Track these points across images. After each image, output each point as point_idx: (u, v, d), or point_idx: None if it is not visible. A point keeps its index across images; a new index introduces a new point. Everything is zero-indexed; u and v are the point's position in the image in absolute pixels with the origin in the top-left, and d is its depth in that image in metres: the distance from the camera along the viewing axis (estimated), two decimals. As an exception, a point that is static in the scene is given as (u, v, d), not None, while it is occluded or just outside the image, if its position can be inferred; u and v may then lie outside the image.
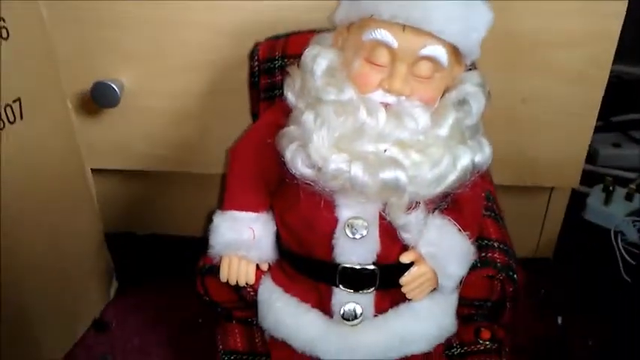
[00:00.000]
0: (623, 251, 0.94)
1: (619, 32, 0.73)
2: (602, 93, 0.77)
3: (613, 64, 0.76)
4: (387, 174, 0.54)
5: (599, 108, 0.79)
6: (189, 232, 0.93)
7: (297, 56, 0.68)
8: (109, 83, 0.78)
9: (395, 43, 0.55)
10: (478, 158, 0.58)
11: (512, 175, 0.83)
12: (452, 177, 0.57)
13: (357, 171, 0.54)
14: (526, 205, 0.90)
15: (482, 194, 0.65)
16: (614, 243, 0.96)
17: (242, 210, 0.63)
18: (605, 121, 1.17)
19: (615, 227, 0.98)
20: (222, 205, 0.64)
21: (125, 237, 0.98)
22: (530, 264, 0.92)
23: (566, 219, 0.95)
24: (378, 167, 0.54)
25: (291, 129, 0.58)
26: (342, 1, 0.60)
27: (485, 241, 0.64)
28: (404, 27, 0.55)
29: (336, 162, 0.55)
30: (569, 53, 0.75)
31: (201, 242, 0.66)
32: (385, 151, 0.55)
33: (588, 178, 1.03)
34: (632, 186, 1.03)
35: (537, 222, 0.93)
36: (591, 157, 1.13)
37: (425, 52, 0.55)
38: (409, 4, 0.54)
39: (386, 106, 0.56)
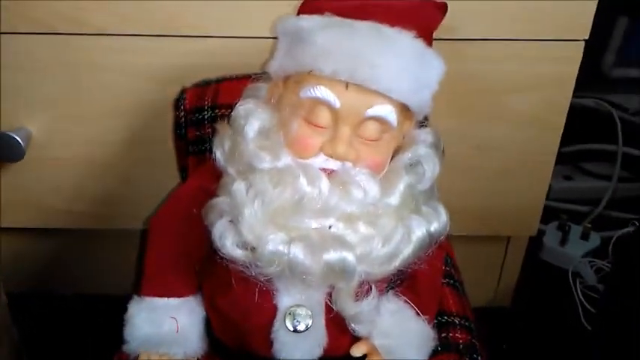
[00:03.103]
0: (581, 296, 0.90)
1: (575, 75, 0.69)
2: (559, 138, 0.73)
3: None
4: (332, 255, 0.46)
5: (556, 154, 0.74)
6: (113, 291, 0.83)
7: (229, 106, 0.61)
8: (11, 135, 0.68)
9: (337, 103, 0.47)
10: (434, 227, 0.51)
11: (467, 225, 0.77)
12: (406, 251, 0.49)
13: (298, 253, 0.46)
14: (483, 253, 0.85)
15: (441, 266, 0.58)
16: (573, 287, 0.92)
17: (162, 296, 0.54)
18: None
19: (573, 268, 0.95)
20: (139, 289, 0.55)
21: (40, 297, 0.87)
22: (488, 313, 0.87)
23: (524, 259, 0.90)
24: (321, 247, 0.46)
25: (220, 200, 0.49)
26: (277, 51, 0.52)
27: (446, 317, 0.57)
28: (347, 84, 0.47)
29: (274, 242, 0.46)
30: (524, 98, 0.70)
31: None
32: (330, 227, 0.48)
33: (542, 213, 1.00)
34: (588, 225, 0.99)
35: (495, 270, 0.88)
36: (544, 191, 1.09)
37: (371, 112, 0.48)
38: (353, 60, 0.46)
39: (329, 173, 0.49)
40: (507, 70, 0.68)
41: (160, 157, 0.72)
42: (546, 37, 0.66)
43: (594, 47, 0.69)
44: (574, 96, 0.73)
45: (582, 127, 1.18)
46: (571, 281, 0.93)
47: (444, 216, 0.53)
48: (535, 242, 0.97)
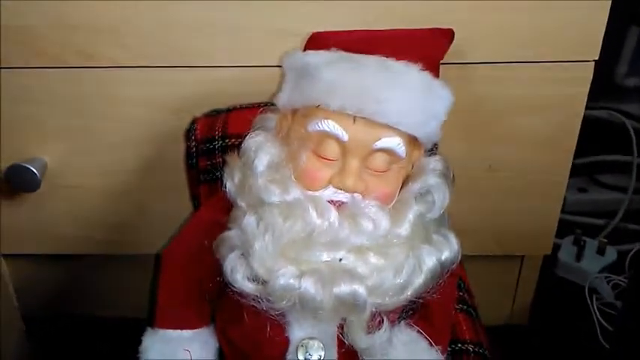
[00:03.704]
0: (598, 314, 0.89)
1: (586, 96, 0.68)
2: (570, 159, 0.72)
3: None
4: (343, 288, 0.46)
5: (569, 173, 0.73)
6: (127, 313, 0.83)
7: (239, 136, 0.61)
8: (27, 166, 0.69)
9: (345, 137, 0.48)
10: (445, 256, 0.51)
11: (480, 245, 0.77)
12: (418, 282, 0.49)
13: (309, 287, 0.46)
14: (497, 272, 0.84)
15: (454, 294, 0.58)
16: (590, 304, 0.90)
17: (175, 328, 0.54)
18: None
19: (589, 284, 0.93)
20: (152, 320, 0.55)
21: (55, 320, 0.88)
22: (505, 332, 0.86)
23: (539, 275, 0.89)
24: (332, 281, 0.47)
25: (231, 234, 0.50)
26: (285, 84, 0.53)
27: (459, 344, 0.57)
28: (355, 117, 0.48)
29: (285, 276, 0.47)
30: (534, 120, 0.69)
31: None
32: (340, 260, 0.48)
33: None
34: (604, 239, 0.98)
35: (510, 288, 0.87)
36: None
37: (379, 145, 0.48)
38: (360, 95, 0.47)
39: (338, 205, 0.49)
40: (517, 93, 0.67)
41: (172, 184, 0.72)
42: (556, 59, 0.66)
43: (606, 58, 0.68)
44: (586, 107, 0.73)
45: (596, 138, 1.17)
46: (587, 298, 0.91)
47: (455, 244, 0.53)
48: (550, 258, 0.96)
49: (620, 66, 1.12)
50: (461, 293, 0.62)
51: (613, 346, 0.84)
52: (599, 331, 0.87)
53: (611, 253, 0.97)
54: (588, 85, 0.67)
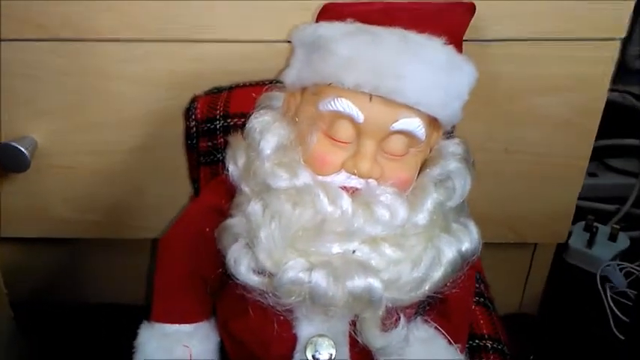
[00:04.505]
0: (611, 303, 0.86)
1: (610, 76, 0.64)
2: (592, 142, 0.69)
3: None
4: (357, 282, 0.43)
5: (589, 158, 0.70)
6: (121, 299, 0.81)
7: (242, 115, 0.58)
8: (15, 145, 0.65)
9: (360, 117, 0.44)
10: (466, 246, 0.48)
11: (493, 231, 0.73)
12: (437, 275, 0.46)
13: (320, 280, 0.43)
14: (508, 260, 0.81)
15: (473, 288, 0.55)
16: (602, 293, 0.88)
17: (173, 322, 0.51)
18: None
19: (601, 272, 0.90)
20: (150, 314, 0.52)
21: (46, 306, 0.84)
22: (514, 321, 0.83)
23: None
24: (345, 274, 0.43)
25: (235, 221, 0.46)
26: (294, 60, 0.48)
27: (477, 341, 0.54)
28: (371, 96, 0.44)
29: (294, 269, 0.43)
30: (555, 100, 0.65)
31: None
32: (354, 252, 0.44)
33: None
34: (616, 226, 0.95)
35: (520, 276, 0.85)
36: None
37: (398, 126, 0.44)
38: (377, 71, 0.43)
39: (352, 191, 0.45)
40: (537, 72, 0.63)
41: (170, 165, 0.69)
42: (579, 37, 0.62)
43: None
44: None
45: (606, 121, 1.14)
46: (599, 286, 0.89)
47: (475, 234, 0.49)
48: (561, 244, 0.93)
49: (631, 47, 1.08)
50: (477, 285, 0.58)
51: (627, 337, 0.82)
52: (612, 321, 0.84)
53: (624, 240, 0.95)
54: (613, 65, 0.63)
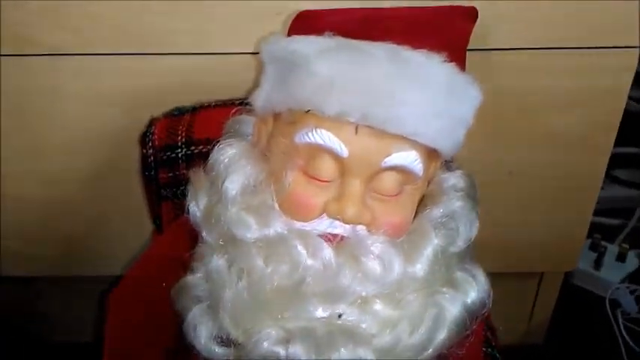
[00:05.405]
0: (623, 330, 0.79)
1: (628, 88, 0.57)
2: (607, 160, 0.62)
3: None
4: (344, 356, 0.35)
5: (602, 179, 0.63)
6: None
7: (207, 142, 0.50)
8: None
9: (345, 152, 0.36)
10: (472, 297, 0.40)
11: (496, 260, 0.66)
12: (440, 337, 0.38)
13: (300, 354, 0.35)
14: (513, 289, 0.75)
15: (482, 342, 0.47)
16: (612, 318, 0.81)
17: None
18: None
19: (610, 295, 0.84)
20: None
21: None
22: (519, 353, 0.76)
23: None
24: (329, 346, 0.35)
25: (195, 280, 0.38)
26: (264, 80, 0.40)
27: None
28: (357, 126, 0.36)
29: (268, 340, 0.35)
30: (566, 116, 0.59)
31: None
32: (340, 316, 0.37)
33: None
34: (625, 245, 0.88)
35: (526, 304, 0.78)
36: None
37: (390, 161, 0.37)
38: (365, 96, 0.35)
39: (337, 241, 0.37)
40: (547, 85, 0.57)
41: (128, 193, 0.62)
42: (594, 45, 0.55)
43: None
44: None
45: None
46: (609, 311, 0.82)
47: (483, 282, 0.41)
48: (567, 266, 0.86)
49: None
50: (484, 332, 0.51)
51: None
52: (623, 350, 0.78)
53: (633, 260, 0.89)
54: (632, 76, 0.56)
